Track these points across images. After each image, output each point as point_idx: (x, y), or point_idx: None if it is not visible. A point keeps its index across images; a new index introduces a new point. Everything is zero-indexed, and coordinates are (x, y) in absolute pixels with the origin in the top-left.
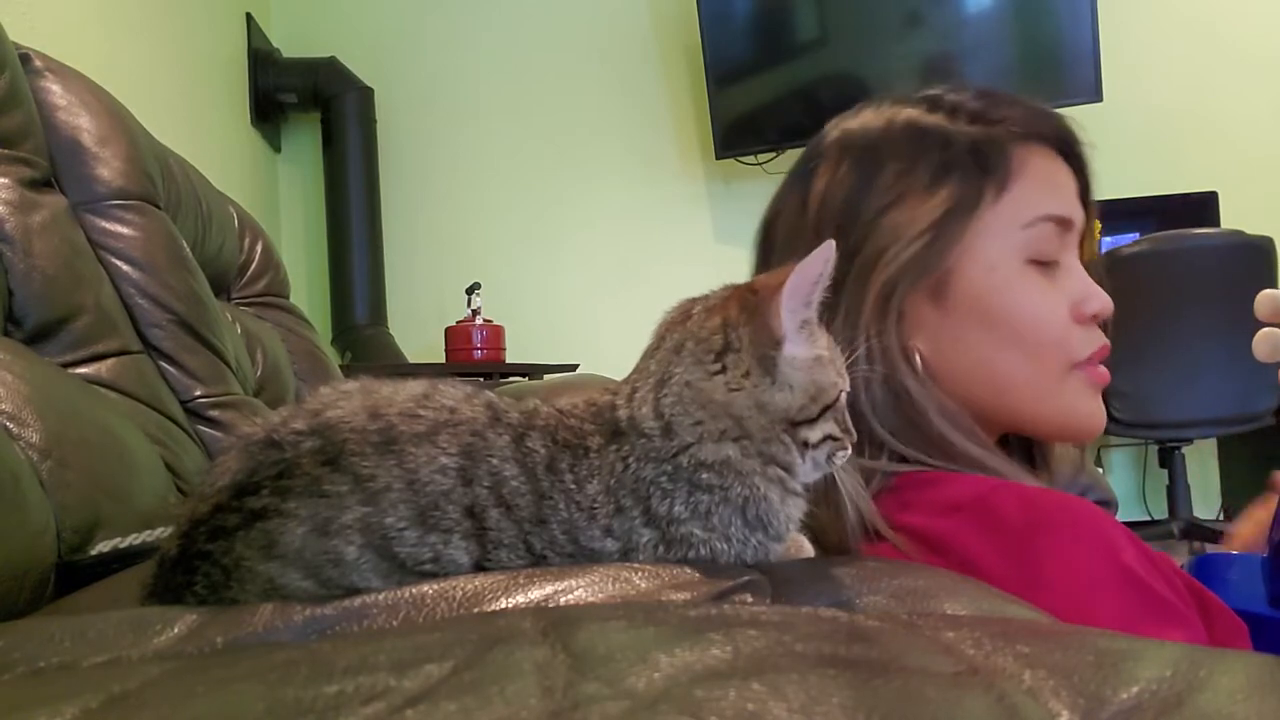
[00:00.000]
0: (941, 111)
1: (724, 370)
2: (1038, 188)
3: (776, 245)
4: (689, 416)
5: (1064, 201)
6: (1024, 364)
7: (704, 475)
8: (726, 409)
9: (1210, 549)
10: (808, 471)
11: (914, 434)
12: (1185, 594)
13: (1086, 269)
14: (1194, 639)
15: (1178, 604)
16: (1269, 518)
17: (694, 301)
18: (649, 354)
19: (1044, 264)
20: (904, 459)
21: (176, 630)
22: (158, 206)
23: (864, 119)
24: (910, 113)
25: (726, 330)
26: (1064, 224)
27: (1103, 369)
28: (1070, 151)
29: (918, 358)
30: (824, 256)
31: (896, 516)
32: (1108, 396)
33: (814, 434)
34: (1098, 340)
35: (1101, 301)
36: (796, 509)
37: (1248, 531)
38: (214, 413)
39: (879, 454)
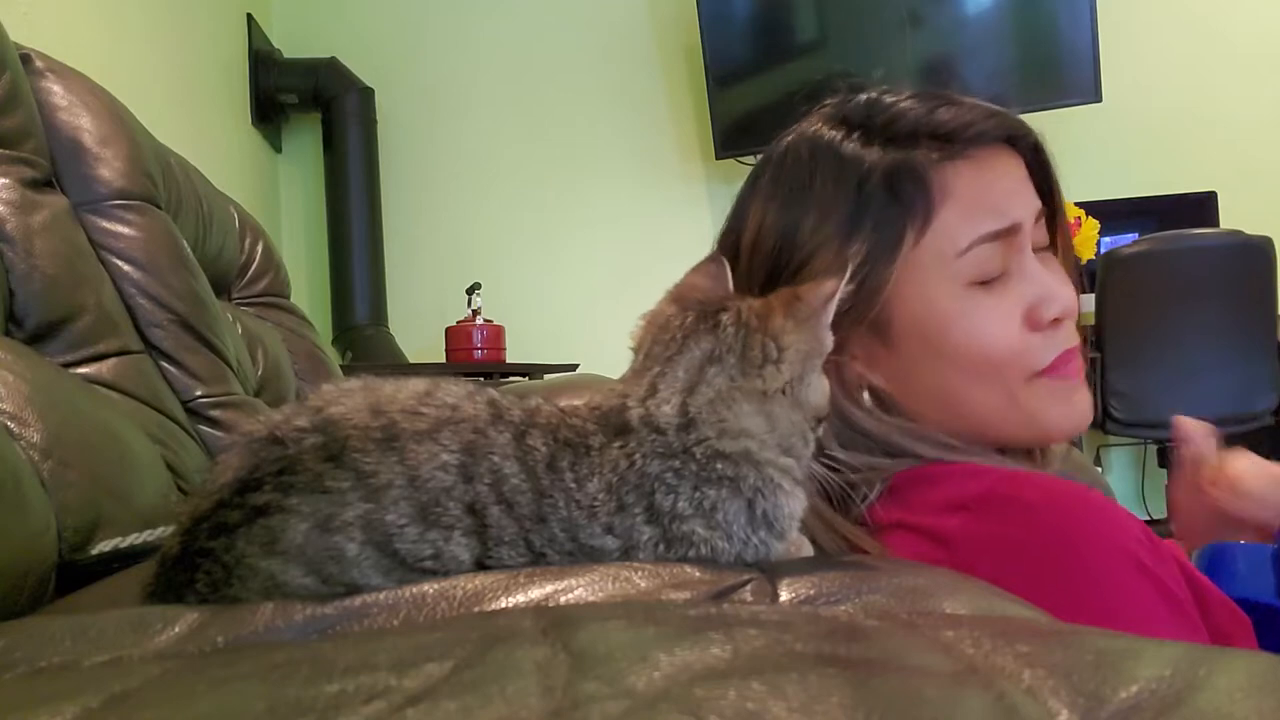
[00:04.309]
0: (859, 136)
1: (765, 379)
2: (967, 209)
3: None
4: (716, 415)
5: (1003, 210)
6: (980, 388)
7: (718, 465)
8: (765, 413)
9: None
10: (807, 463)
11: (884, 451)
12: (1184, 587)
13: (1063, 257)
14: (1194, 634)
15: (1182, 598)
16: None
17: (707, 306)
18: (664, 359)
19: (989, 281)
20: (891, 454)
21: (177, 629)
22: (159, 206)
23: (791, 149)
24: (830, 139)
25: (767, 343)
26: (1007, 234)
27: (1073, 367)
28: (1019, 143)
29: (866, 394)
30: (845, 278)
31: (893, 518)
32: (1107, 396)
33: (820, 429)
34: (1061, 343)
35: (1061, 304)
36: (799, 503)
37: (1178, 497)
38: (215, 413)
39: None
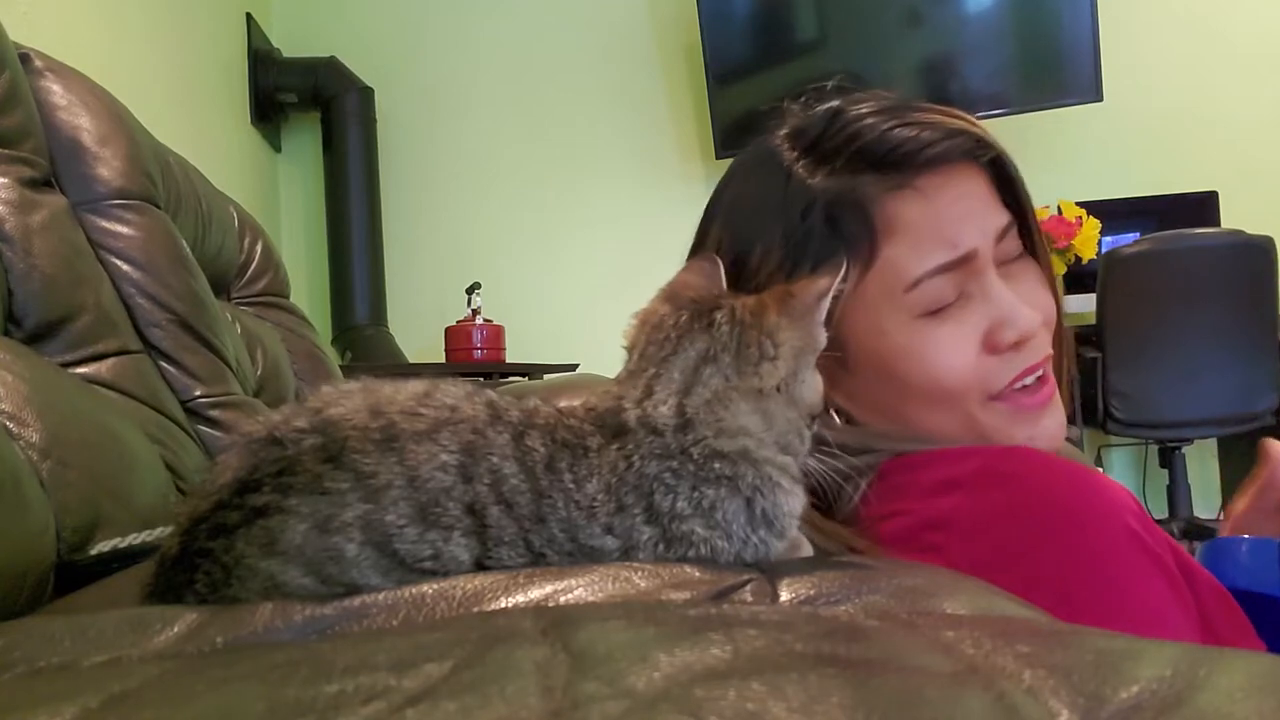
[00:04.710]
0: (810, 158)
1: (761, 377)
2: (916, 242)
3: None
4: (713, 415)
5: (955, 241)
6: (938, 415)
7: (716, 465)
8: (762, 410)
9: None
10: (804, 460)
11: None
12: (1175, 565)
13: (1040, 261)
14: (1184, 607)
15: (1174, 572)
16: (1262, 489)
17: (700, 305)
18: (659, 359)
19: (942, 310)
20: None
21: (176, 630)
22: (158, 206)
23: (746, 166)
24: (780, 162)
25: (763, 340)
26: (960, 264)
27: (1040, 389)
28: (981, 159)
29: (834, 413)
30: (840, 275)
31: (887, 509)
32: (1108, 396)
33: (815, 426)
34: (1021, 364)
35: (1020, 328)
36: (798, 502)
37: (1241, 506)
38: (214, 413)
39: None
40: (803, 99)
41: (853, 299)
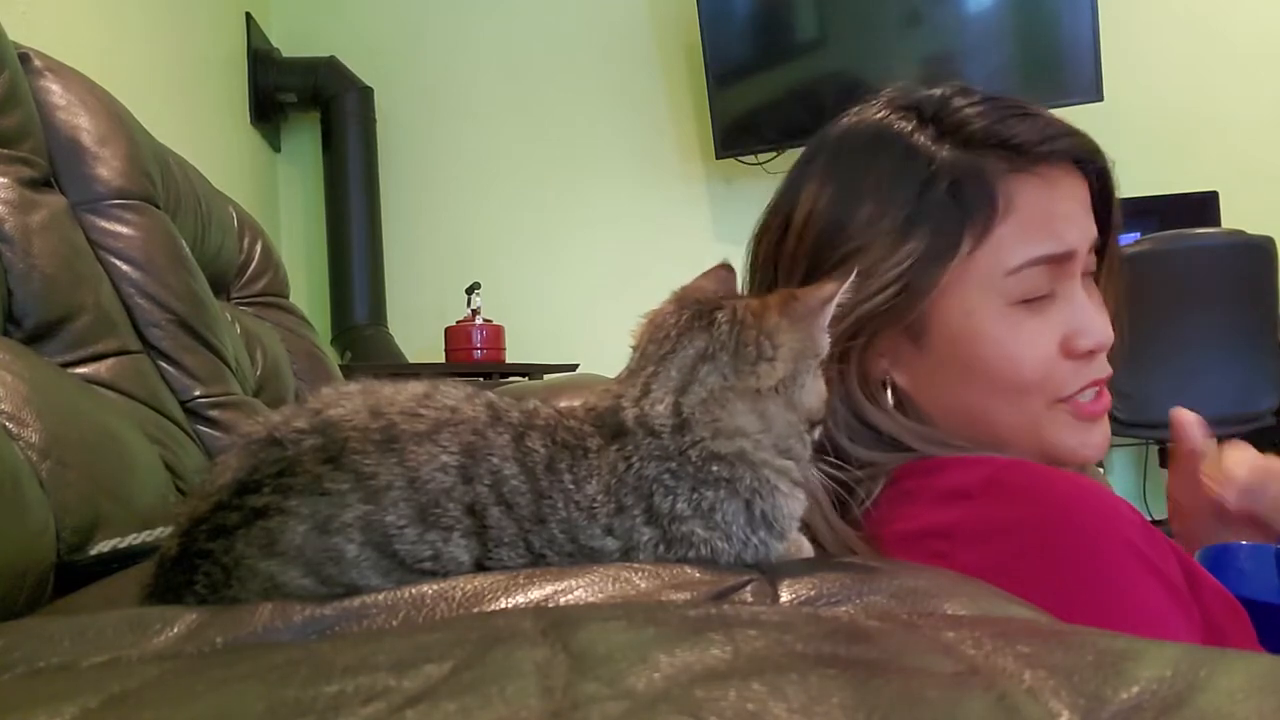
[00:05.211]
0: (932, 129)
1: (759, 376)
2: (1027, 228)
3: (758, 262)
4: (709, 415)
5: (1062, 235)
6: (1003, 406)
7: (714, 468)
8: (759, 411)
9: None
10: (806, 466)
11: (892, 445)
12: (1180, 575)
13: (1105, 289)
14: (1189, 621)
15: (1177, 585)
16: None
17: (703, 305)
18: (658, 358)
19: (1033, 301)
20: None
21: (176, 630)
22: (157, 206)
23: (854, 130)
24: (899, 129)
25: (761, 340)
26: (1060, 260)
27: (1099, 400)
28: (1087, 167)
29: (889, 391)
30: (846, 284)
31: (896, 513)
32: None
33: (816, 433)
34: (1090, 374)
35: (1096, 338)
36: (798, 505)
37: (1171, 485)
38: (213, 413)
39: (874, 448)
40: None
41: (955, 275)
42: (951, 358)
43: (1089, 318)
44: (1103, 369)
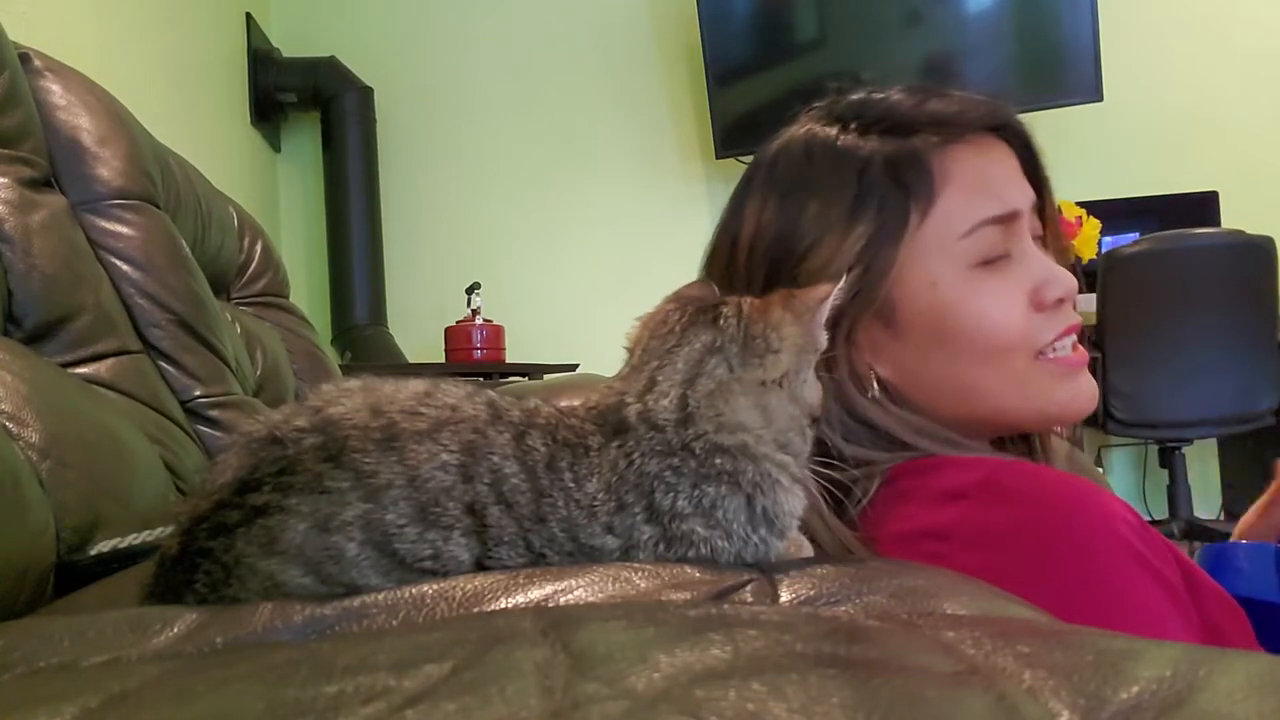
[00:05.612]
0: (854, 130)
1: (766, 368)
2: (969, 193)
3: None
4: (714, 408)
5: (1002, 196)
6: (987, 370)
7: (717, 460)
8: (762, 406)
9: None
10: (804, 461)
11: (888, 443)
12: (1177, 574)
13: (1050, 247)
14: (1186, 621)
15: (1174, 584)
16: (1268, 504)
17: (705, 302)
18: (662, 353)
19: (992, 261)
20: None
21: (176, 630)
22: (157, 206)
23: (785, 149)
24: (825, 135)
25: (769, 332)
26: (1008, 219)
27: (1077, 350)
28: (1009, 134)
29: (875, 384)
30: (839, 285)
31: (892, 513)
32: (1107, 396)
33: (814, 428)
34: (1064, 321)
35: (1064, 285)
36: (799, 502)
37: (1249, 519)
38: (214, 413)
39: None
40: (810, 101)
41: (910, 251)
42: (928, 335)
43: (1050, 268)
44: (1073, 317)
